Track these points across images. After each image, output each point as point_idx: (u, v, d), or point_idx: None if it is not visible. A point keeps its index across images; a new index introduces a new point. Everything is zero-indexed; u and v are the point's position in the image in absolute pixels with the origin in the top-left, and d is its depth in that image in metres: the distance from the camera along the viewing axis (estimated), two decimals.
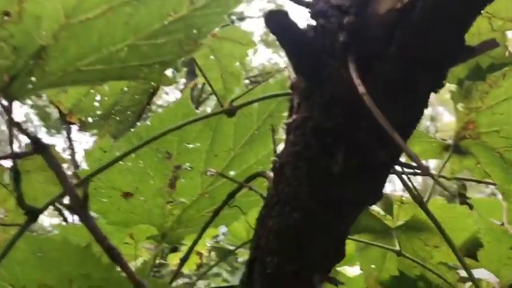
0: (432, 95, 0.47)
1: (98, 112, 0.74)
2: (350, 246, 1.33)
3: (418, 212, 0.95)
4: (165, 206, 0.78)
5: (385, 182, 0.54)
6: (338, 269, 1.46)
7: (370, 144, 0.46)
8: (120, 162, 0.75)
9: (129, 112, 0.74)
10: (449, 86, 0.72)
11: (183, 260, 0.83)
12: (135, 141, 0.64)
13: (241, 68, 0.86)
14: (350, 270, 1.49)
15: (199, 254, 1.46)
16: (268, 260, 0.61)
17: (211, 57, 0.85)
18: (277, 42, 0.46)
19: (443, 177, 0.83)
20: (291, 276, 0.59)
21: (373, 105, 0.38)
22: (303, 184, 0.54)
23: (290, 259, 0.59)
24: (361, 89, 0.38)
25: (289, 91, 0.57)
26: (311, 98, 0.47)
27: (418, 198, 0.64)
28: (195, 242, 0.84)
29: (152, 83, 0.69)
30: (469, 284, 1.19)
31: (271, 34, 0.45)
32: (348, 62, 0.41)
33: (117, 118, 0.73)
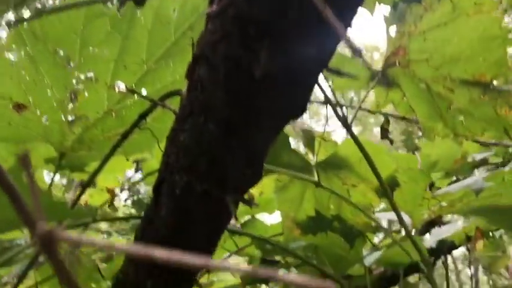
0: None
1: None
2: (268, 189, 1.31)
3: (338, 150, 0.93)
4: (64, 122, 0.68)
5: (311, 93, 0.49)
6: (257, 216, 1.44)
7: (297, 38, 0.41)
8: (11, 67, 0.65)
9: None
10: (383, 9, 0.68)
11: (85, 186, 0.75)
12: (26, 35, 0.54)
13: None
14: (269, 218, 1.48)
15: (111, 192, 1.35)
16: (177, 179, 0.55)
17: None
18: None
19: (368, 110, 0.81)
20: (202, 196, 0.54)
21: None
22: (220, 89, 0.47)
23: (201, 177, 0.53)
24: None
25: None
26: None
27: (344, 123, 0.61)
28: (100, 166, 0.76)
29: None
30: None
31: None
32: None
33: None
